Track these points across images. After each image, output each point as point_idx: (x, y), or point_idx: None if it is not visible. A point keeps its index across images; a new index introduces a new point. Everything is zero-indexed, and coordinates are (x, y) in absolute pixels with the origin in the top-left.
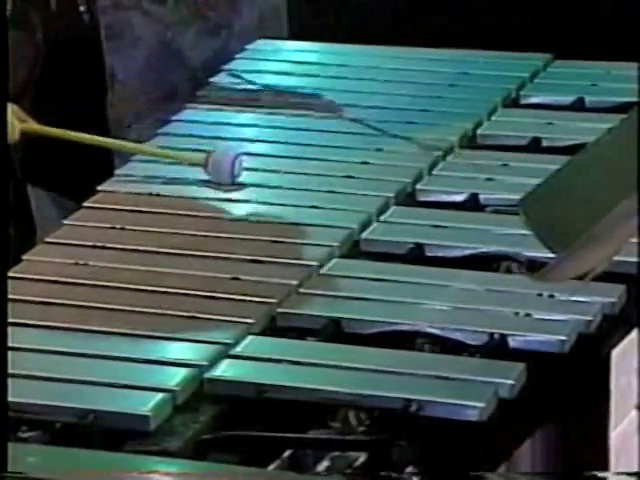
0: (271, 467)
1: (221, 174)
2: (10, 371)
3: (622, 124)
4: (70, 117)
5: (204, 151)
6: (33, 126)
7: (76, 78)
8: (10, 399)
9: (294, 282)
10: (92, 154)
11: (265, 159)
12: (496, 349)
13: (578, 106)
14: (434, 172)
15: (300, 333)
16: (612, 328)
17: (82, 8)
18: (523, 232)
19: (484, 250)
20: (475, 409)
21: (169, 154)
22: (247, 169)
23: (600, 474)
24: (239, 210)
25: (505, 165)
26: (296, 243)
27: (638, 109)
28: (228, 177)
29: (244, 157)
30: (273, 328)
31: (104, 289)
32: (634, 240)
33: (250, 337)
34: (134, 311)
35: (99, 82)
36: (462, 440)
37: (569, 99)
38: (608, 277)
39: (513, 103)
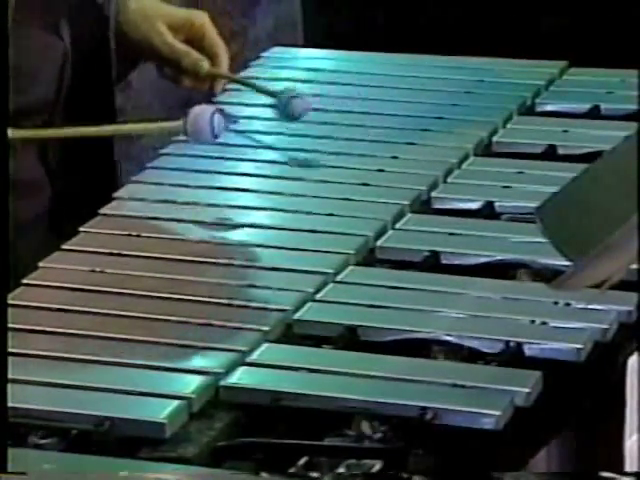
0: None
1: (201, 131)
2: (26, 378)
3: (638, 132)
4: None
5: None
6: (18, 132)
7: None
8: (26, 406)
9: (310, 290)
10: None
11: (280, 166)
12: (512, 357)
13: (594, 114)
14: (449, 180)
15: (316, 341)
16: (628, 336)
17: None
18: (539, 240)
19: (500, 258)
20: (491, 417)
21: (147, 127)
22: (262, 176)
23: (609, 475)
24: (254, 218)
25: (521, 173)
26: (311, 250)
27: None
28: (208, 134)
29: (220, 116)
30: (289, 336)
31: (120, 296)
32: None
33: (266, 344)
34: (150, 318)
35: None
36: (478, 448)
37: (585, 107)
38: (625, 285)
39: (529, 111)
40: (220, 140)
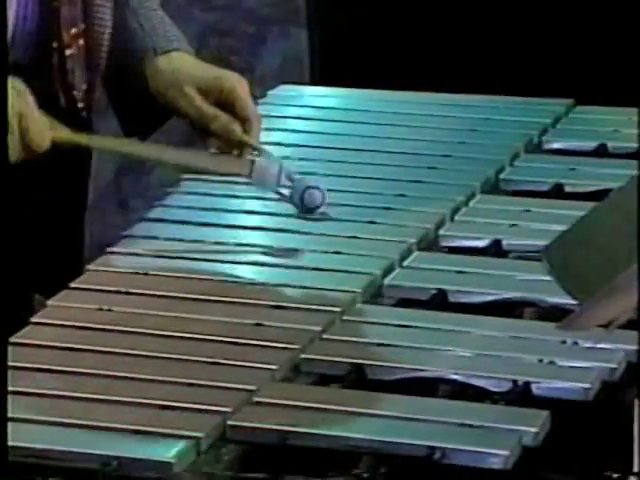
0: None
1: (266, 181)
2: (33, 417)
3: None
4: None
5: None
6: (62, 134)
7: None
8: (32, 445)
9: (317, 328)
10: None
11: (288, 204)
12: (520, 396)
13: (601, 152)
14: (457, 218)
15: (323, 379)
16: (636, 376)
17: None
18: (546, 278)
19: (507, 296)
20: (499, 457)
21: (210, 169)
22: (270, 214)
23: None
24: (261, 256)
25: (528, 211)
26: (319, 289)
27: None
28: (273, 184)
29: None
30: (297, 374)
31: (128, 335)
32: None
33: (273, 383)
34: (157, 357)
35: None
36: None
37: (591, 145)
38: (632, 325)
39: (536, 149)
40: (227, 179)
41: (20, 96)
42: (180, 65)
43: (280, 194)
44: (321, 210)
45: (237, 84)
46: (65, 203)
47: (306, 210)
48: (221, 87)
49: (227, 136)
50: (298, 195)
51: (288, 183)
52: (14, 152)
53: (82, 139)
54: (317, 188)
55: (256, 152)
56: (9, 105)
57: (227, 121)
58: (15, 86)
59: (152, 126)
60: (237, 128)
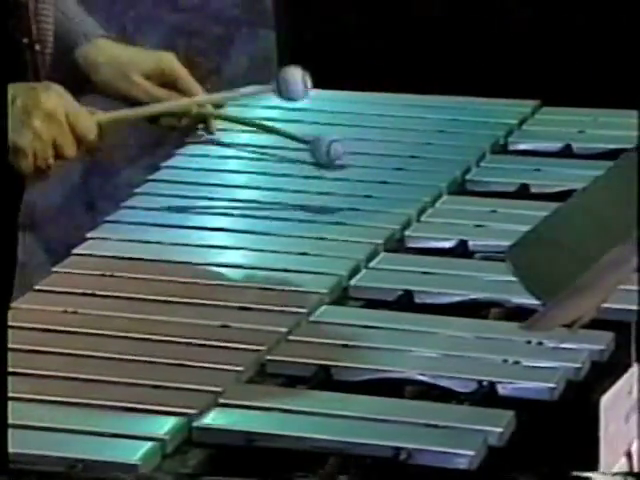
0: None
1: (293, 90)
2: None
3: (609, 172)
4: None
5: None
6: (104, 116)
7: None
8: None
9: (283, 329)
10: None
11: (255, 205)
12: (485, 397)
13: (566, 153)
14: (423, 218)
15: (290, 380)
16: (601, 375)
17: None
18: (512, 279)
19: (473, 297)
20: (465, 457)
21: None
22: (236, 215)
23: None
24: (228, 257)
25: (494, 211)
26: (285, 290)
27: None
28: (301, 92)
29: None
30: (262, 375)
31: (94, 337)
32: (622, 287)
33: (239, 385)
34: (123, 359)
35: None
36: None
37: (557, 146)
38: (596, 324)
39: (502, 150)
40: (193, 180)
41: (61, 97)
42: (117, 54)
43: (303, 141)
44: (340, 163)
45: (174, 62)
46: None
47: (328, 163)
48: (162, 68)
49: (186, 114)
50: (323, 148)
51: (311, 90)
52: (71, 148)
53: (122, 114)
54: (339, 142)
55: (219, 119)
56: (56, 107)
57: (181, 100)
58: (55, 89)
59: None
60: (194, 106)
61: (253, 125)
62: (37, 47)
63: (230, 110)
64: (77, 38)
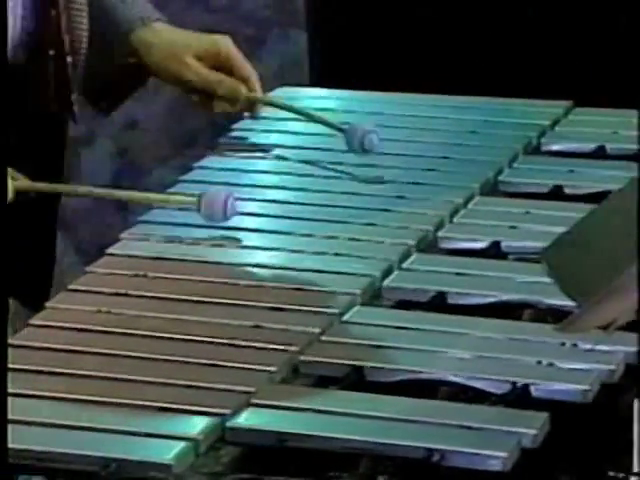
0: None
1: (214, 214)
2: (31, 419)
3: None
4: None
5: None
6: (25, 183)
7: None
8: (31, 447)
9: (316, 330)
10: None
11: (287, 206)
12: (519, 398)
13: (599, 154)
14: (456, 219)
15: (322, 381)
16: (635, 377)
17: None
18: (545, 280)
19: (506, 298)
20: (498, 459)
21: (159, 198)
22: (268, 216)
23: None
24: (260, 257)
25: (527, 212)
26: (318, 291)
27: None
28: (220, 216)
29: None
30: (295, 376)
31: (127, 337)
32: None
33: (272, 385)
34: (156, 359)
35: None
36: None
37: (590, 146)
38: (632, 327)
39: (534, 151)
40: (224, 180)
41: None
42: (172, 36)
43: (339, 129)
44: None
45: (230, 45)
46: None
47: (362, 151)
48: (218, 51)
49: (234, 98)
50: (357, 137)
51: (237, 213)
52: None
53: (44, 187)
54: (375, 132)
55: (267, 105)
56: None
57: (232, 83)
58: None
59: (120, 99)
60: (243, 88)
61: (294, 111)
62: (69, 59)
63: (275, 97)
64: (134, 22)
